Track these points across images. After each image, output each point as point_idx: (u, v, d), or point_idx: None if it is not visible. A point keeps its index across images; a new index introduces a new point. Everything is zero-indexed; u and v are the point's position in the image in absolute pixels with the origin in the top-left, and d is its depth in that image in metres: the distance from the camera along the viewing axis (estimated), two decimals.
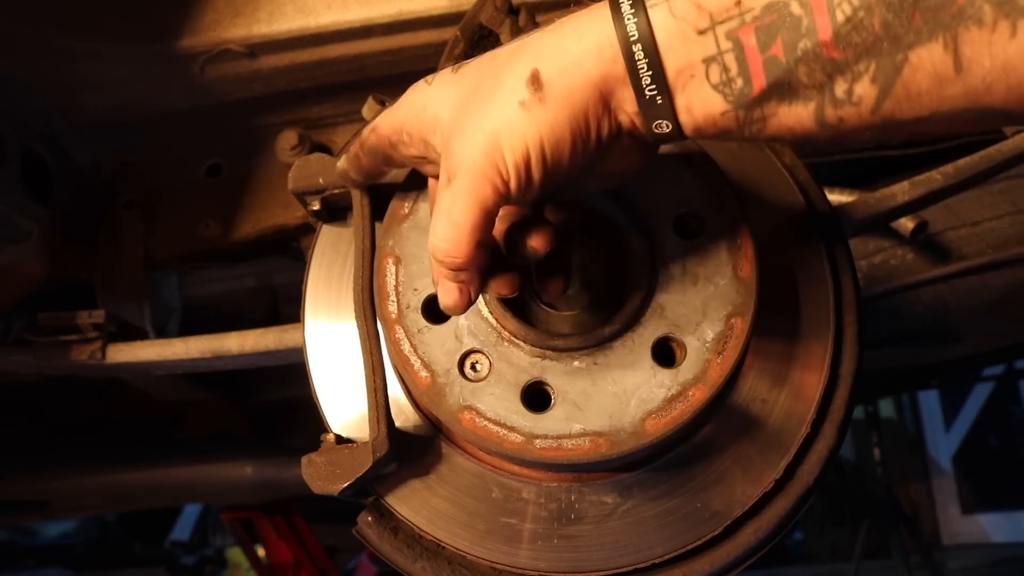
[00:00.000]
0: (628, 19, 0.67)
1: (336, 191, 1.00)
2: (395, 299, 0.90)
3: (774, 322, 0.96)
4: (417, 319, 0.89)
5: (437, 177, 0.82)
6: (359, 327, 0.94)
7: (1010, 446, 7.07)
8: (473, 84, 0.74)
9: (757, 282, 0.89)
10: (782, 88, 0.64)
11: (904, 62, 0.59)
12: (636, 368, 0.86)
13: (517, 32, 1.09)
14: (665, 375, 0.86)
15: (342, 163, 0.93)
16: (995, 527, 6.92)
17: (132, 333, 1.49)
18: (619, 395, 0.86)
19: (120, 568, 6.97)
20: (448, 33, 1.25)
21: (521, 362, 0.88)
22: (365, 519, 0.97)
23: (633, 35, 0.66)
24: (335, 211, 1.04)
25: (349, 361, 0.99)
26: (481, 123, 0.71)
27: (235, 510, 3.68)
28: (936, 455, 7.22)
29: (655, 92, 0.67)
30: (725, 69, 0.65)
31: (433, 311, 0.90)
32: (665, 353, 0.88)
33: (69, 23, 1.36)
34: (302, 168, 1.00)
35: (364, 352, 0.93)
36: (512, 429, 0.85)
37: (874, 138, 0.68)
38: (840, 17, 0.60)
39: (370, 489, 0.95)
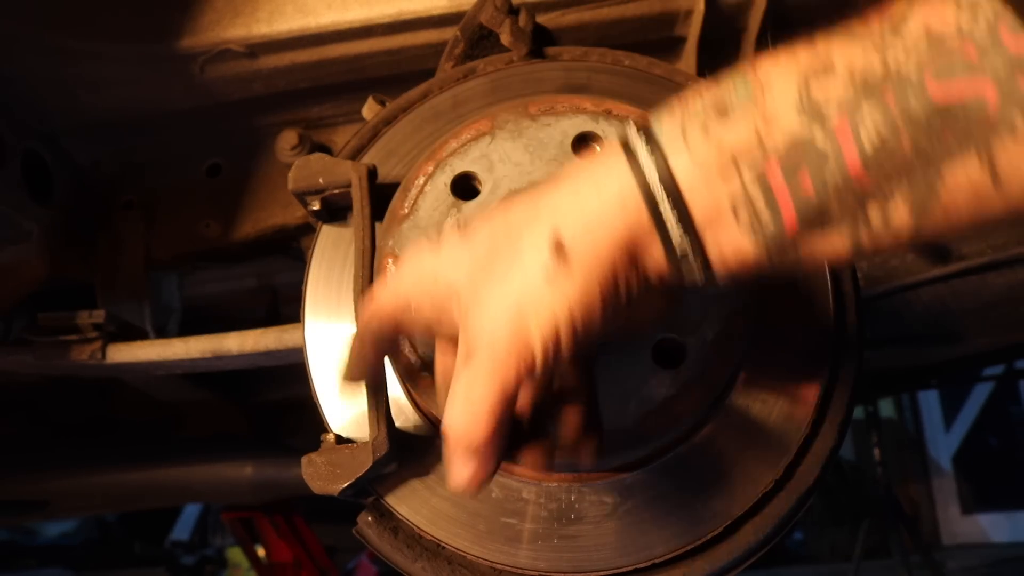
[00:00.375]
0: (646, 166, 0.63)
1: (336, 191, 1.00)
2: None
3: (774, 323, 0.96)
4: None
5: (449, 343, 0.77)
6: (359, 327, 0.94)
7: (1010, 446, 7.07)
8: (488, 249, 0.68)
9: (757, 282, 0.89)
10: (814, 223, 0.61)
11: (938, 181, 0.57)
12: (636, 368, 0.86)
13: (518, 33, 1.08)
14: (665, 376, 0.86)
15: (344, 375, 0.83)
16: (995, 527, 6.92)
17: (132, 333, 1.49)
18: (619, 395, 0.86)
19: (120, 568, 6.97)
20: (448, 33, 1.25)
21: None
22: (365, 519, 0.97)
23: (655, 185, 0.62)
24: (335, 211, 1.04)
25: None
26: (504, 296, 0.65)
27: (235, 510, 3.68)
28: (936, 455, 7.22)
29: (684, 242, 0.63)
30: (754, 211, 0.61)
31: None
32: (665, 354, 0.88)
33: (69, 23, 1.36)
34: (302, 168, 1.00)
35: None
36: None
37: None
38: (868, 145, 0.57)
39: (370, 489, 0.95)
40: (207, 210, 1.59)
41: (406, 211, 0.93)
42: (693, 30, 1.40)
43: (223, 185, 1.61)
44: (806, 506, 0.95)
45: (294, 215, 1.56)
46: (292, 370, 1.34)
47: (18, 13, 1.32)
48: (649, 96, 1.05)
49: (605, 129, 0.94)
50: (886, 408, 7.10)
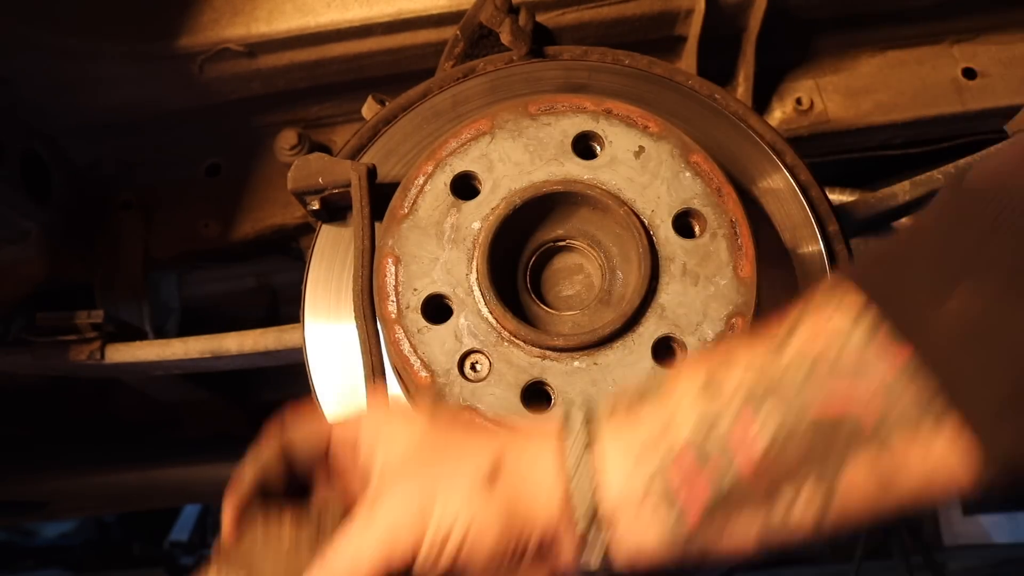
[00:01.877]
0: (577, 483, 0.66)
1: (335, 191, 1.00)
2: (395, 299, 0.90)
3: (774, 322, 0.95)
4: (417, 319, 0.89)
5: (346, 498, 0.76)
6: (359, 327, 0.93)
7: None
8: (434, 445, 0.72)
9: (757, 282, 0.88)
10: (715, 519, 0.64)
11: (836, 485, 0.61)
12: (636, 368, 0.86)
13: (518, 32, 1.08)
14: (665, 375, 0.86)
15: None
16: (997, 528, 6.91)
17: (131, 333, 1.49)
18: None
19: (119, 569, 6.96)
20: (448, 33, 1.25)
21: (521, 362, 0.87)
22: None
23: (582, 499, 0.66)
24: (334, 211, 1.03)
25: (349, 361, 0.99)
26: (428, 480, 0.69)
27: None
28: None
29: (595, 549, 0.67)
30: (668, 498, 0.65)
31: (433, 311, 0.90)
32: (665, 353, 0.87)
33: (68, 23, 1.36)
34: (301, 168, 1.00)
35: (364, 352, 0.92)
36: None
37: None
38: (759, 448, 0.62)
39: None
40: (206, 210, 1.59)
41: (406, 211, 0.93)
42: (693, 30, 1.40)
43: (222, 185, 1.61)
44: None
45: (293, 215, 1.56)
46: (292, 370, 1.33)
47: (18, 13, 1.31)
48: (649, 95, 1.05)
49: (605, 129, 0.94)
50: None
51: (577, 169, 0.93)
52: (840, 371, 0.60)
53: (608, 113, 0.94)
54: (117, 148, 1.59)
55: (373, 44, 1.40)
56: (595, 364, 0.87)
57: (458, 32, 1.13)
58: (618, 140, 0.93)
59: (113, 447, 2.37)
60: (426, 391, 0.87)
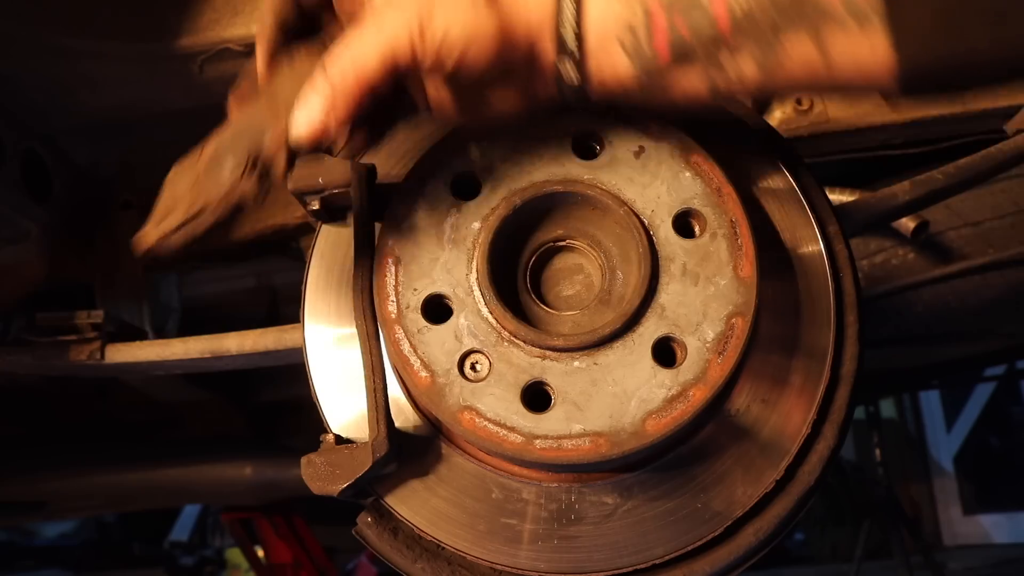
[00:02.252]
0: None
1: (336, 191, 1.00)
2: (395, 299, 0.90)
3: (775, 322, 0.95)
4: (417, 319, 0.89)
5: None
6: (359, 327, 0.93)
7: (1011, 446, 7.07)
8: None
9: (758, 282, 0.88)
10: (681, 59, 0.75)
11: (781, 50, 0.72)
12: (636, 368, 0.86)
13: None
14: (665, 375, 0.86)
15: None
16: (996, 528, 6.92)
17: (131, 333, 1.49)
18: (619, 395, 0.85)
19: (119, 569, 6.97)
20: None
21: (521, 362, 0.87)
22: (365, 520, 0.96)
23: (567, 20, 0.76)
24: (335, 211, 1.03)
25: (349, 361, 0.99)
26: None
27: (234, 510, 3.68)
28: (937, 455, 7.22)
29: (571, 61, 0.77)
30: (637, 41, 0.75)
31: (433, 311, 0.90)
32: (665, 353, 0.87)
33: (68, 23, 1.36)
34: (301, 168, 1.00)
35: (364, 352, 0.92)
36: (512, 429, 0.85)
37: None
38: (737, 9, 0.72)
39: (370, 490, 0.95)
40: None
41: (406, 211, 0.93)
42: None
43: None
44: (807, 507, 0.95)
45: (293, 215, 1.56)
46: (292, 370, 1.34)
47: (19, 13, 1.31)
48: None
49: (605, 128, 0.94)
50: (887, 408, 7.10)
51: (577, 169, 0.93)
52: None
53: (608, 113, 0.94)
54: (117, 148, 1.59)
55: None
56: (595, 364, 0.87)
57: None
58: (618, 140, 0.93)
59: (113, 447, 2.37)
60: (426, 388, 0.87)
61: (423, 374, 0.88)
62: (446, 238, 0.91)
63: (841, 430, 0.96)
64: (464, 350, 0.88)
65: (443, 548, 0.94)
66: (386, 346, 0.91)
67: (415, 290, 0.90)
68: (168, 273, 1.83)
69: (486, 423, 0.86)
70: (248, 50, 1.39)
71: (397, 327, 0.89)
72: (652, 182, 0.92)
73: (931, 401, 7.25)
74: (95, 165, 1.60)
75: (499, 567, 0.93)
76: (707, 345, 0.86)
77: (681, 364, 0.86)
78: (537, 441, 0.85)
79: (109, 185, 1.62)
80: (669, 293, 0.88)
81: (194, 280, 1.99)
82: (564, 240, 0.95)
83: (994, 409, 6.98)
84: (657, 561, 0.92)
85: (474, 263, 0.90)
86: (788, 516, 0.94)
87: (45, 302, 1.56)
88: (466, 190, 0.93)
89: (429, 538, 0.94)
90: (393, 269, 0.91)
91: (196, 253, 1.62)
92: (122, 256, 1.58)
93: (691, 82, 0.76)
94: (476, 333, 0.88)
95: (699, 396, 0.85)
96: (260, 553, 3.86)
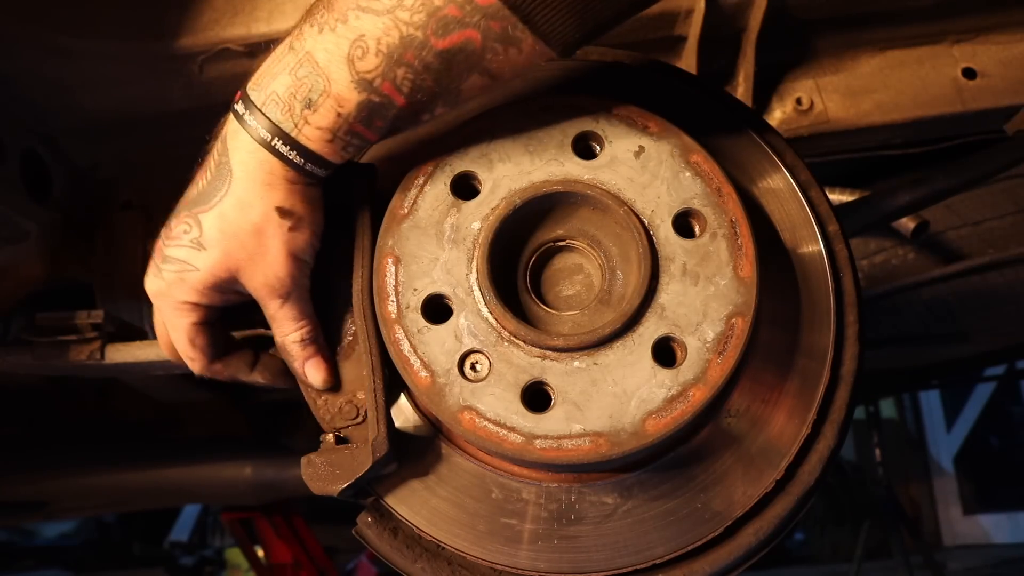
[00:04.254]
0: (279, 144, 0.87)
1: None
2: (395, 299, 0.90)
3: (774, 323, 0.95)
4: (417, 319, 0.89)
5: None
6: (359, 327, 0.93)
7: (1011, 446, 7.07)
8: None
9: (758, 282, 0.88)
10: (393, 130, 0.90)
11: (459, 91, 0.88)
12: (636, 368, 0.86)
13: None
14: (665, 375, 0.86)
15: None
16: (996, 528, 6.92)
17: (131, 333, 1.49)
18: (619, 395, 0.85)
19: (119, 569, 6.97)
20: None
21: (521, 362, 0.87)
22: (365, 520, 0.96)
23: (288, 154, 0.88)
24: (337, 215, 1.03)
25: None
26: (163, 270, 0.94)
27: (234, 510, 3.68)
28: (937, 455, 7.22)
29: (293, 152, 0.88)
30: (357, 137, 0.89)
31: (433, 311, 0.90)
32: (665, 353, 0.87)
33: (68, 23, 1.35)
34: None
35: (364, 352, 0.92)
36: (512, 429, 0.85)
37: None
38: (405, 89, 0.85)
39: (370, 490, 0.95)
40: None
41: (406, 211, 0.93)
42: (693, 29, 1.40)
43: None
44: (807, 507, 0.95)
45: None
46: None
47: (19, 13, 1.31)
48: None
49: (605, 128, 0.94)
50: (887, 408, 7.10)
51: (577, 169, 0.93)
52: (451, 18, 0.81)
53: (608, 112, 0.94)
54: (117, 148, 1.59)
55: None
56: (595, 364, 0.87)
57: None
58: (618, 140, 0.93)
59: (113, 447, 2.37)
60: (426, 388, 0.87)
61: (423, 374, 0.88)
62: (446, 238, 0.91)
63: (841, 430, 0.96)
64: (464, 350, 0.88)
65: (443, 548, 0.94)
66: (386, 346, 0.91)
67: (415, 290, 0.90)
68: None
69: (486, 423, 0.86)
70: (248, 50, 1.39)
71: (397, 327, 0.89)
72: (652, 182, 0.91)
73: (931, 401, 7.24)
74: (95, 165, 1.60)
75: (499, 567, 0.93)
76: (707, 345, 0.86)
77: (681, 364, 0.86)
78: (537, 441, 0.85)
79: (109, 185, 1.61)
80: (669, 293, 0.88)
81: None
82: (564, 240, 0.95)
83: (994, 409, 6.98)
84: (657, 561, 0.92)
85: (474, 263, 0.90)
86: (788, 516, 0.94)
87: (45, 302, 1.56)
88: (466, 190, 0.93)
89: (429, 538, 0.94)
90: (393, 269, 0.91)
91: None
92: (122, 256, 1.58)
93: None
94: (476, 333, 0.88)
95: (699, 396, 0.85)
96: (260, 553, 3.86)
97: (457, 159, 0.94)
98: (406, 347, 0.89)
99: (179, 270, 0.92)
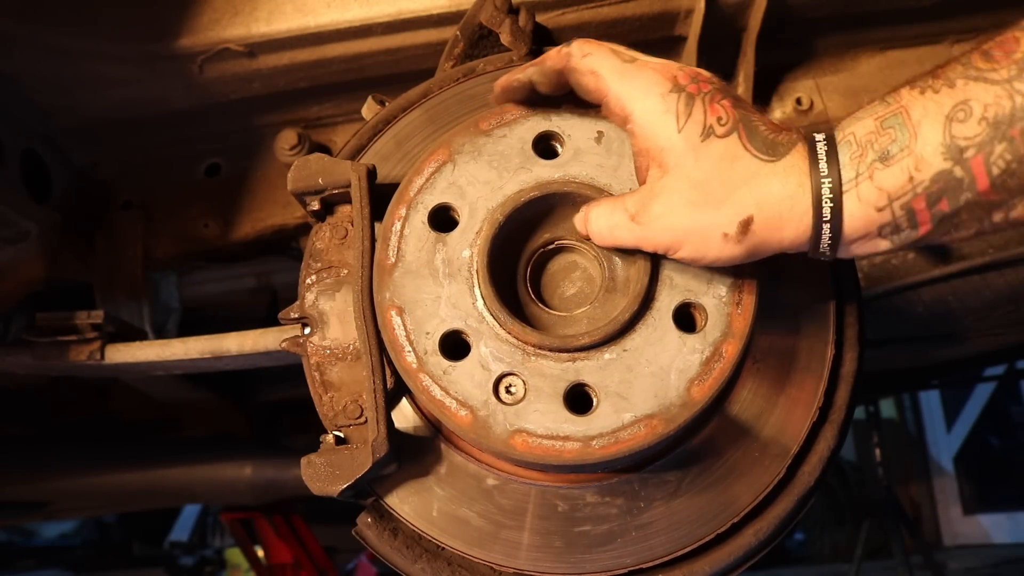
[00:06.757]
0: (826, 203, 0.79)
1: (335, 191, 0.99)
2: (410, 348, 0.89)
3: (775, 323, 0.95)
4: (439, 361, 0.88)
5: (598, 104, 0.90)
6: (358, 327, 0.93)
7: (1011, 446, 7.07)
8: (707, 173, 0.82)
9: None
10: (947, 228, 0.78)
11: None
12: (665, 342, 0.86)
13: (518, 32, 1.08)
14: (695, 340, 0.86)
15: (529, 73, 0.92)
16: (996, 528, 6.91)
17: (131, 333, 1.49)
18: (657, 373, 0.85)
19: (119, 569, 6.97)
20: (448, 33, 1.25)
21: (554, 371, 0.86)
22: (365, 520, 0.96)
23: (827, 217, 0.79)
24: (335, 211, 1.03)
25: None
26: (685, 215, 0.82)
27: (234, 511, 3.67)
28: (937, 455, 7.22)
29: (828, 248, 0.81)
30: (897, 228, 0.79)
31: (452, 349, 0.88)
32: (687, 320, 0.87)
33: (68, 23, 1.35)
34: (301, 168, 1.00)
35: (364, 353, 0.92)
36: (567, 439, 0.85)
37: None
38: (995, 171, 0.74)
39: (370, 490, 0.95)
40: (206, 210, 1.59)
41: (392, 260, 0.91)
42: (693, 29, 1.40)
43: (222, 185, 1.61)
44: (807, 507, 0.95)
45: (293, 215, 1.56)
46: (292, 370, 1.33)
47: (18, 13, 1.31)
48: None
49: (560, 124, 0.93)
50: (887, 408, 7.10)
51: (546, 171, 0.92)
52: None
53: (556, 108, 0.94)
54: (117, 148, 1.59)
55: (373, 44, 1.40)
56: (625, 351, 0.86)
57: (458, 32, 1.13)
58: (576, 132, 0.93)
59: (113, 447, 2.37)
60: (470, 426, 0.87)
61: (462, 413, 0.86)
62: (441, 274, 0.90)
63: (841, 430, 0.96)
64: (495, 376, 0.87)
65: (443, 548, 0.94)
66: (415, 396, 0.90)
67: (427, 333, 0.89)
68: (168, 273, 1.83)
69: (540, 440, 0.85)
70: (248, 50, 1.39)
71: (422, 375, 0.88)
72: (620, 162, 0.92)
73: (931, 401, 7.24)
74: (95, 165, 1.60)
75: (499, 567, 0.93)
76: (723, 300, 0.87)
77: (705, 326, 0.86)
78: (594, 442, 0.84)
79: (109, 185, 1.61)
80: (673, 263, 0.88)
81: (194, 280, 1.99)
82: (554, 242, 0.94)
83: (994, 409, 6.97)
84: (657, 561, 0.92)
85: (477, 290, 0.89)
86: (788, 516, 0.94)
87: (45, 302, 1.56)
88: (445, 222, 0.93)
89: (429, 538, 0.94)
90: (399, 320, 0.90)
91: (196, 253, 1.62)
92: (122, 256, 1.58)
93: (955, 237, 0.81)
94: (501, 357, 0.87)
95: (732, 350, 0.85)
96: (260, 553, 3.86)
97: (427, 195, 0.92)
98: (437, 392, 0.87)
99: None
